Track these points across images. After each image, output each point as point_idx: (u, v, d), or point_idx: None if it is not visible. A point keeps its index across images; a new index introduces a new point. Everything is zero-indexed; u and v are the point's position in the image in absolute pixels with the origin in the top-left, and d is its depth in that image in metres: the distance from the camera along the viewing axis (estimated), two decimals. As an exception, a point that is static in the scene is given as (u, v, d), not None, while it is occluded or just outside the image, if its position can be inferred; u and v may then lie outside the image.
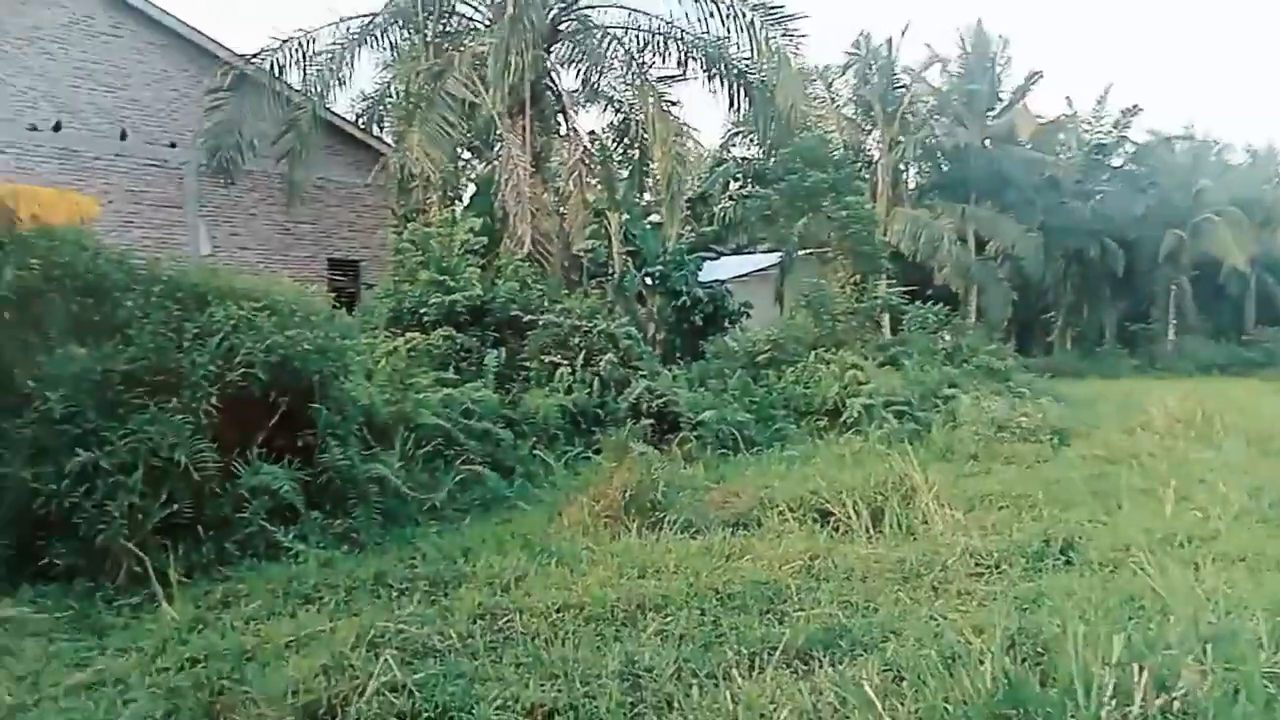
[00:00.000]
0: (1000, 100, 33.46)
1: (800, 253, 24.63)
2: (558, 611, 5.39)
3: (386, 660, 4.32)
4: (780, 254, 25.60)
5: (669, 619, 5.30)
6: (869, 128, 31.32)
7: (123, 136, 15.70)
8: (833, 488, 7.96)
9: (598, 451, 9.75)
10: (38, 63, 14.85)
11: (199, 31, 16.24)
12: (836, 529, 7.43)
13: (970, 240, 30.70)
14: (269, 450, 7.17)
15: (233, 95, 15.38)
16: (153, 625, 5.23)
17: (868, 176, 29.47)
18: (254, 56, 15.65)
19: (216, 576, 6.06)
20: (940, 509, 7.59)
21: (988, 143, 32.93)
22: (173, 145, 16.18)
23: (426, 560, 6.57)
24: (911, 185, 33.42)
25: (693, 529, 7.45)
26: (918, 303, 20.05)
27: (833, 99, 30.55)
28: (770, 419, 13.07)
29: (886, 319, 22.29)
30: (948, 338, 18.97)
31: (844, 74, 30.99)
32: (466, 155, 20.59)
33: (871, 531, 7.30)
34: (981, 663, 3.99)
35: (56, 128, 15.00)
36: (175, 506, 6.19)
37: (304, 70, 15.96)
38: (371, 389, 9.24)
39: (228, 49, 16.01)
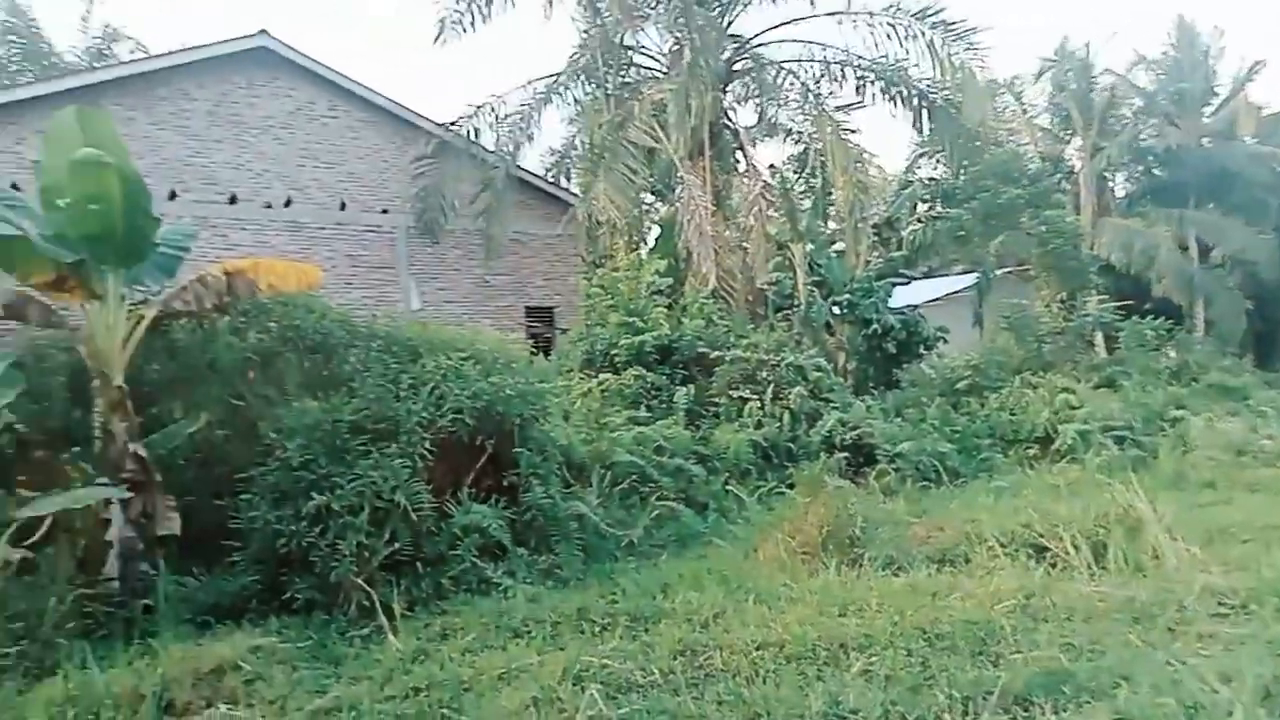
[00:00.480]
0: (1216, 95, 30.62)
1: (998, 272, 23.46)
2: (757, 649, 5.35)
3: (592, 695, 4.44)
4: (976, 275, 24.49)
5: (873, 659, 5.13)
6: (1067, 136, 29.54)
7: (342, 207, 17.24)
8: (1047, 520, 7.46)
9: (791, 486, 9.62)
10: (270, 148, 16.63)
11: (404, 107, 17.64)
12: (1054, 565, 6.95)
13: (1192, 247, 28.14)
14: (477, 490, 7.59)
15: (435, 162, 16.59)
16: (380, 655, 5.62)
17: (1068, 188, 27.73)
18: (452, 124, 16.84)
19: (435, 610, 6.44)
20: (1173, 543, 6.95)
21: (1205, 141, 30.16)
22: (385, 212, 17.59)
23: (626, 596, 6.70)
24: (1120, 193, 31.12)
25: (894, 565, 7.20)
26: (1134, 318, 18.57)
27: (1025, 110, 29.07)
28: (974, 449, 12.46)
29: (1099, 338, 20.76)
30: (1172, 354, 17.43)
31: (1038, 81, 29.47)
32: (649, 199, 21.16)
33: (1094, 568, 6.79)
34: (1230, 714, 3.61)
35: (287, 204, 16.69)
36: (397, 544, 6.67)
37: (497, 132, 17.04)
38: (569, 429, 9.61)
39: (429, 120, 17.30)
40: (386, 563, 6.63)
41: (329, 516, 6.52)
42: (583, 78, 17.34)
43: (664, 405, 12.43)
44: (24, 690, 5.06)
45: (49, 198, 6.33)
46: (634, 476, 9.45)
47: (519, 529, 7.57)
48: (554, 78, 17.20)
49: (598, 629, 5.95)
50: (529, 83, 17.13)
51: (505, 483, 7.82)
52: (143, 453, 6.67)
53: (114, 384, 6.70)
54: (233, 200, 16.12)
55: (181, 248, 7.44)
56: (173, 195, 15.07)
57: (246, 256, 9.73)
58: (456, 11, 16.76)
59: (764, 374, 12.85)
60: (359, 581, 6.39)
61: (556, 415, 9.38)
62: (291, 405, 7.47)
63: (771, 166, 20.86)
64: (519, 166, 17.62)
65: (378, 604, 6.27)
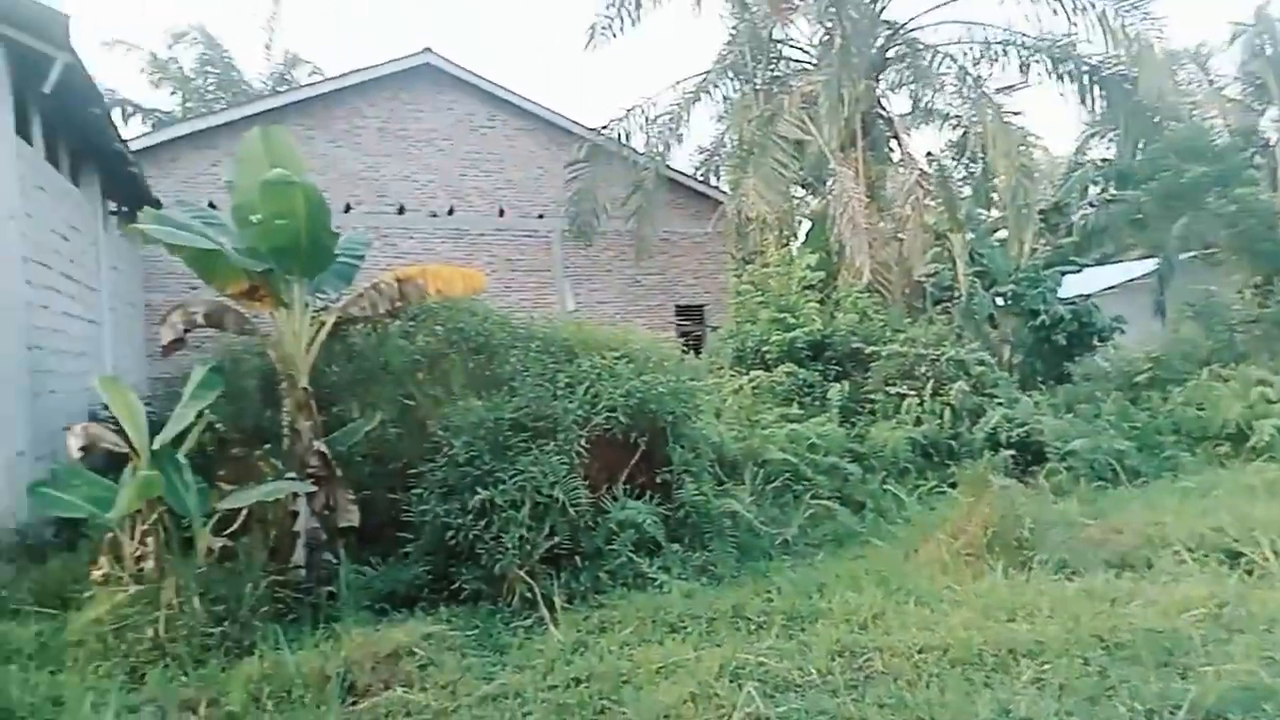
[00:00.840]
0: None
1: (1181, 257, 21.75)
2: (919, 652, 5.20)
3: (749, 692, 4.44)
4: (1156, 261, 22.79)
5: (1046, 667, 4.89)
6: (1261, 107, 27.02)
7: (501, 213, 17.94)
8: (1242, 524, 6.91)
9: (953, 485, 9.29)
10: (435, 159, 17.51)
11: (557, 113, 18.17)
12: (1249, 572, 6.42)
13: None
14: (631, 487, 7.72)
15: (587, 165, 16.99)
16: (542, 645, 5.81)
17: (1262, 163, 25.35)
18: (603, 128, 17.20)
19: (593, 603, 6.59)
20: (1395, 550, 6.27)
21: None
22: (540, 216, 18.17)
23: (782, 594, 6.64)
24: (1326, 165, 28.19)
25: (1068, 569, 6.83)
26: (1345, 303, 16.81)
27: (1211, 80, 26.78)
28: (1156, 446, 11.63)
29: (1303, 325, 18.88)
30: (1391, 343, 15.65)
31: (1229, 47, 27.10)
32: (800, 193, 20.85)
33: (1298, 576, 6.22)
34: None
35: (450, 212, 17.52)
36: (556, 539, 6.87)
37: (647, 133, 17.27)
38: (721, 427, 9.62)
39: (581, 125, 17.74)
40: (546, 556, 6.83)
41: (493, 511, 6.78)
42: (731, 74, 17.31)
43: (817, 402, 12.25)
44: (226, 667, 5.53)
45: (241, 214, 6.91)
46: (787, 475, 9.37)
47: (673, 525, 7.64)
48: (702, 76, 17.26)
49: (753, 627, 5.94)
50: (678, 83, 17.29)
51: (658, 480, 7.91)
52: (325, 450, 7.15)
53: (300, 385, 7.22)
54: (401, 210, 17.06)
55: (358, 256, 7.93)
56: (348, 208, 16.11)
57: (414, 263, 10.29)
58: (606, 17, 17.09)
59: (923, 369, 12.45)
60: (521, 574, 6.63)
61: (708, 413, 9.41)
62: (457, 404, 7.82)
63: (929, 154, 20.14)
64: (668, 166, 17.79)
65: (539, 596, 6.49)
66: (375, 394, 8.30)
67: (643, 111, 17.19)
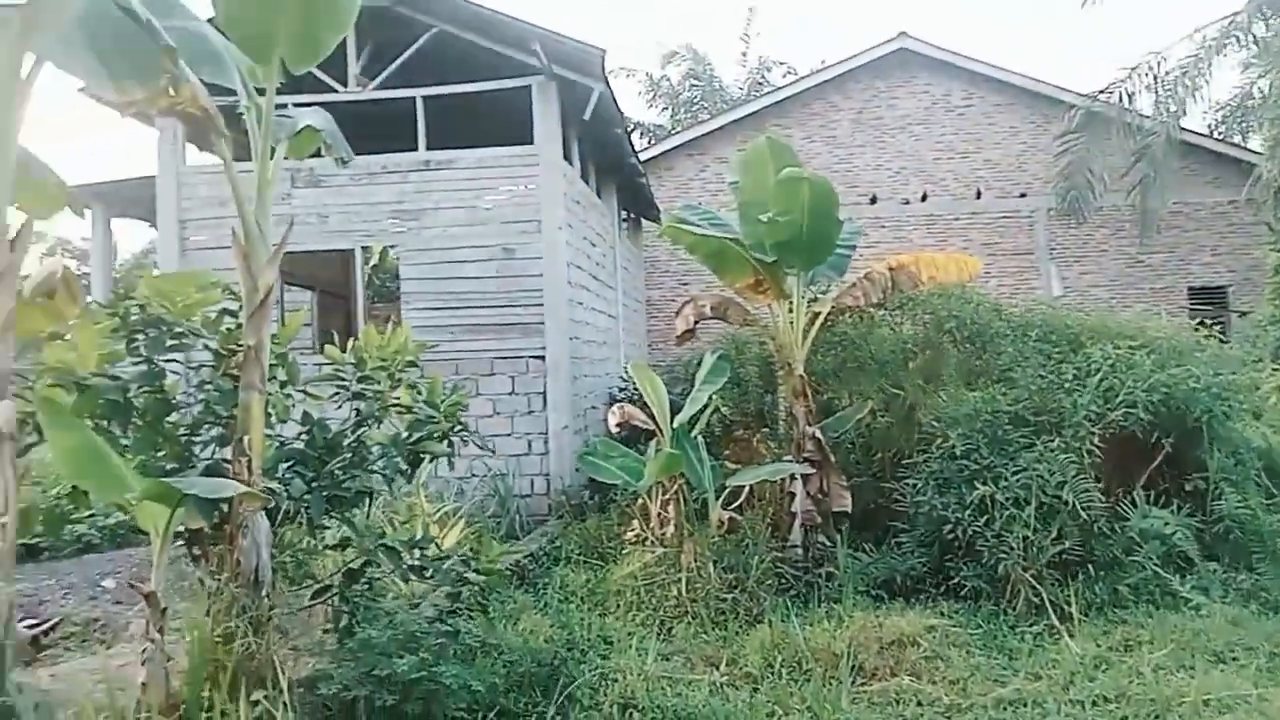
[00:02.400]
0: None
1: None
2: None
3: (1351, 747, 3.70)
4: None
5: None
6: None
7: (978, 195, 17.09)
8: None
9: None
10: (908, 145, 17.23)
11: (1042, 82, 16.78)
12: None
13: None
14: (1152, 493, 6.87)
15: (1080, 136, 15.42)
16: (1056, 656, 5.42)
17: None
18: (1101, 92, 15.49)
19: (1112, 617, 5.99)
20: None
21: None
22: (1022, 195, 16.97)
23: (1369, 637, 5.44)
24: None
25: None
26: None
27: None
28: None
29: None
30: None
31: None
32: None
33: None
34: None
35: (923, 198, 17.12)
36: (1065, 543, 6.34)
37: (1156, 93, 15.18)
38: (1264, 429, 8.16)
39: (1072, 92, 16.17)
40: (1054, 560, 6.35)
41: (993, 507, 6.46)
42: (1267, 11, 14.51)
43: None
44: (740, 631, 6.00)
45: (748, 212, 7.40)
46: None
47: (1208, 541, 6.66)
48: (1229, 19, 14.71)
49: (1333, 670, 4.94)
50: (1196, 30, 14.94)
51: (1186, 487, 6.95)
52: (820, 435, 7.41)
53: (795, 373, 7.56)
54: (873, 200, 17.09)
55: (850, 247, 8.08)
56: (823, 201, 16.51)
57: (887, 253, 10.24)
58: (1106, -32, 15.35)
59: None
60: (1026, 576, 6.24)
61: (1247, 413, 8.04)
62: (946, 394, 7.59)
63: None
64: (1181, 128, 15.48)
65: (1047, 602, 6.07)
66: (863, 382, 8.38)
67: (1150, 69, 15.14)
